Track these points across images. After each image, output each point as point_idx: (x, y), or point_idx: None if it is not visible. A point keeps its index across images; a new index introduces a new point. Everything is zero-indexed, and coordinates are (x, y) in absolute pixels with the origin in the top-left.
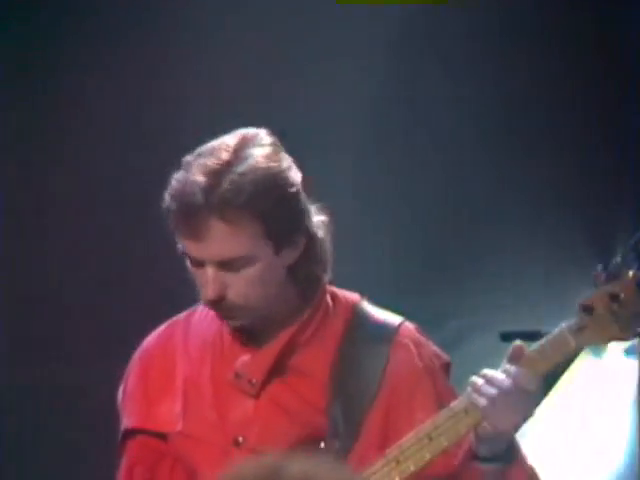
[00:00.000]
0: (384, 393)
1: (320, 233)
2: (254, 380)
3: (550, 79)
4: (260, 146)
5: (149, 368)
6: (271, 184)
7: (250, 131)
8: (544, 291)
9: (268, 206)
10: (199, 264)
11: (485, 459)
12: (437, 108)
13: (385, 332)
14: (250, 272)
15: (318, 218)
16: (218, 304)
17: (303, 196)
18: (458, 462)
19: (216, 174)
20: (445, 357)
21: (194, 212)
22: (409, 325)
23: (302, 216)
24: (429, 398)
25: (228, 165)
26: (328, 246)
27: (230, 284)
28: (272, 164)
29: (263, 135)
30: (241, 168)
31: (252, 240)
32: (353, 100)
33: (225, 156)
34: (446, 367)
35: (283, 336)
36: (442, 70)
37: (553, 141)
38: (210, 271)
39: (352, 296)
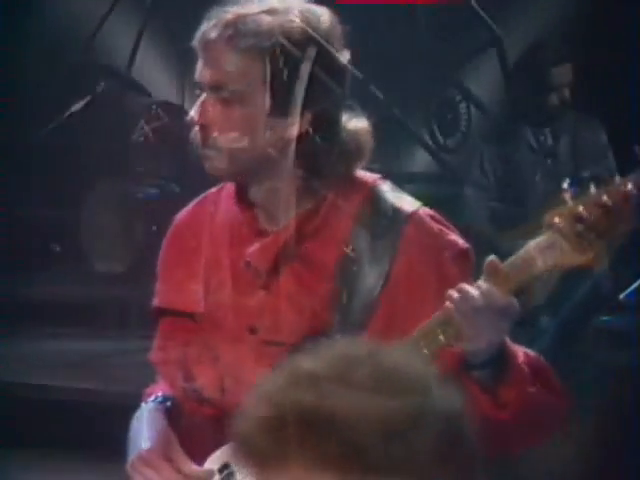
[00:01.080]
0: (389, 290)
1: (342, 122)
2: (260, 269)
3: None
4: (308, 12)
5: (179, 245)
6: (295, 38)
7: (311, 5)
8: None
9: (280, 55)
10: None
11: (472, 367)
12: None
13: (396, 222)
14: (237, 111)
15: (354, 117)
16: (200, 133)
17: (334, 77)
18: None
19: (247, 11)
20: (461, 245)
21: (207, 33)
22: (423, 213)
23: (318, 91)
24: (433, 297)
25: (265, 9)
26: (356, 143)
27: (217, 118)
28: (308, 28)
29: (321, 11)
30: (275, 13)
31: (247, 73)
32: None
33: (269, 4)
34: (461, 255)
35: (289, 225)
36: None
37: None
38: (202, 96)
39: (370, 178)
